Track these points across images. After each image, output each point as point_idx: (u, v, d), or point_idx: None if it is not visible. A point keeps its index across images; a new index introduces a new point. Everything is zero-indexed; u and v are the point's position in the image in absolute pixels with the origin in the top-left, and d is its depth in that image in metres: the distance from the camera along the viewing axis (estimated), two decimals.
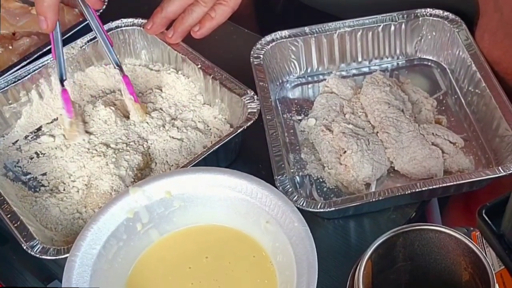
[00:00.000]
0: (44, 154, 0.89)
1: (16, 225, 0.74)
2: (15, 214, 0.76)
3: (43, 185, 0.85)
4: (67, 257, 0.69)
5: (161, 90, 0.94)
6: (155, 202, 0.71)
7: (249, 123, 0.81)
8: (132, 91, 0.88)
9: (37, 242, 0.73)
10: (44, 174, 0.86)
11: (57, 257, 0.71)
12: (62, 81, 0.87)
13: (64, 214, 0.81)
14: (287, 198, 0.69)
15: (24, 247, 0.72)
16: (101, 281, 0.67)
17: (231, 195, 0.71)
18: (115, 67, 0.89)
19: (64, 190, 0.84)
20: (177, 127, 0.88)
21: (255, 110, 0.82)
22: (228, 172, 0.71)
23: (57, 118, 0.93)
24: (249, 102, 0.83)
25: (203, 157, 0.78)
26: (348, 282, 0.63)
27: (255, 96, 0.84)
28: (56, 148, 0.89)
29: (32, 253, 0.72)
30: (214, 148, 0.79)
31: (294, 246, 0.65)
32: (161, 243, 0.73)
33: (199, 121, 0.89)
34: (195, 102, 0.91)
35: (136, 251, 0.72)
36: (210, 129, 0.89)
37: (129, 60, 0.98)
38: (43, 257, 0.71)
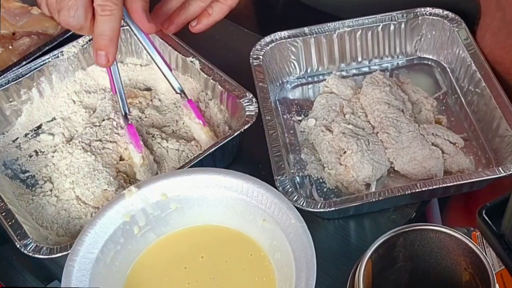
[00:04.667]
0: (43, 152, 0.89)
1: (10, 223, 0.75)
2: (10, 212, 0.76)
3: (40, 184, 0.86)
4: (61, 256, 0.70)
5: (160, 89, 0.94)
6: (151, 204, 0.71)
7: (246, 126, 0.81)
8: (200, 115, 0.85)
9: (30, 241, 0.73)
10: (42, 172, 0.87)
11: (50, 256, 0.71)
12: (126, 115, 0.84)
13: (59, 213, 0.81)
14: (283, 196, 0.69)
15: (18, 246, 0.72)
16: (100, 285, 0.67)
17: (227, 195, 0.70)
18: (177, 92, 0.86)
19: (60, 189, 0.84)
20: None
21: (253, 113, 0.82)
22: (223, 172, 0.71)
23: (54, 117, 0.93)
24: (247, 105, 0.83)
25: (199, 159, 0.78)
26: (348, 282, 0.63)
27: (254, 99, 0.84)
28: (54, 146, 0.89)
29: (25, 252, 0.72)
30: (211, 151, 0.79)
31: (292, 243, 0.65)
32: (157, 244, 0.73)
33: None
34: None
35: (133, 254, 0.71)
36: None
37: (130, 60, 0.98)
38: (36, 256, 0.72)
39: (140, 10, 0.78)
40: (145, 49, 0.84)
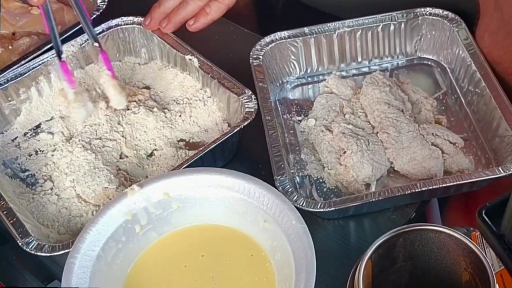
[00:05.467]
0: (42, 151, 0.89)
1: (12, 221, 0.75)
2: (11, 211, 0.76)
3: (40, 182, 0.85)
4: (63, 254, 0.70)
5: (159, 88, 0.95)
6: (153, 204, 0.71)
7: (246, 123, 0.81)
8: (110, 67, 0.86)
9: (32, 239, 0.73)
10: (42, 171, 0.87)
11: (52, 254, 0.71)
12: (59, 54, 0.85)
13: (60, 212, 0.81)
14: (284, 197, 0.69)
15: (20, 244, 0.73)
16: (100, 282, 0.67)
17: (228, 195, 0.71)
18: (93, 44, 0.88)
19: (61, 187, 0.84)
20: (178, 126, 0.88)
21: (252, 110, 0.82)
22: (225, 172, 0.71)
23: (53, 116, 0.93)
24: (246, 102, 0.83)
25: (199, 156, 0.78)
26: (348, 283, 0.63)
27: (253, 96, 0.84)
28: (54, 145, 0.89)
29: (27, 250, 0.72)
30: (211, 147, 0.79)
31: (292, 244, 0.66)
32: (158, 243, 0.73)
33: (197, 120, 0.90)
34: (193, 100, 0.92)
35: (134, 253, 0.72)
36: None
37: (128, 58, 0.99)
38: (38, 253, 0.72)
39: None
40: None
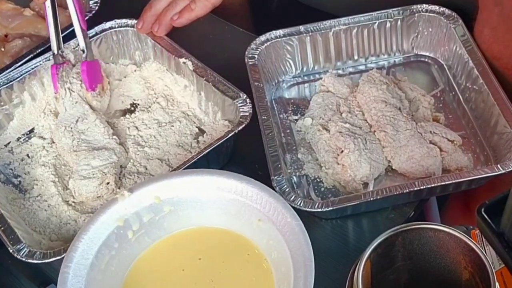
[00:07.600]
0: (33, 156, 0.89)
1: (3, 228, 0.74)
2: (3, 217, 0.75)
3: (29, 189, 0.85)
4: (54, 261, 0.70)
5: (155, 91, 0.94)
6: (144, 208, 0.70)
7: (240, 127, 0.80)
8: (85, 79, 0.87)
9: (23, 246, 0.73)
10: (32, 177, 0.86)
11: (44, 261, 0.71)
12: (54, 55, 0.87)
13: (50, 219, 0.81)
14: (278, 195, 0.69)
15: (10, 251, 0.72)
16: None
17: (221, 196, 0.70)
18: (81, 51, 0.89)
19: (49, 193, 0.83)
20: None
21: (247, 114, 0.82)
22: (216, 173, 0.70)
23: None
24: (241, 106, 0.83)
25: (193, 161, 0.78)
26: (347, 283, 0.63)
27: (248, 100, 0.83)
28: (44, 150, 0.88)
29: (19, 257, 0.72)
30: (205, 153, 0.79)
31: (289, 242, 0.65)
32: (153, 249, 0.72)
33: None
34: (188, 104, 0.91)
35: (129, 259, 0.71)
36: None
37: (123, 61, 0.98)
38: (29, 261, 0.71)
39: None
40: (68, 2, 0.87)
